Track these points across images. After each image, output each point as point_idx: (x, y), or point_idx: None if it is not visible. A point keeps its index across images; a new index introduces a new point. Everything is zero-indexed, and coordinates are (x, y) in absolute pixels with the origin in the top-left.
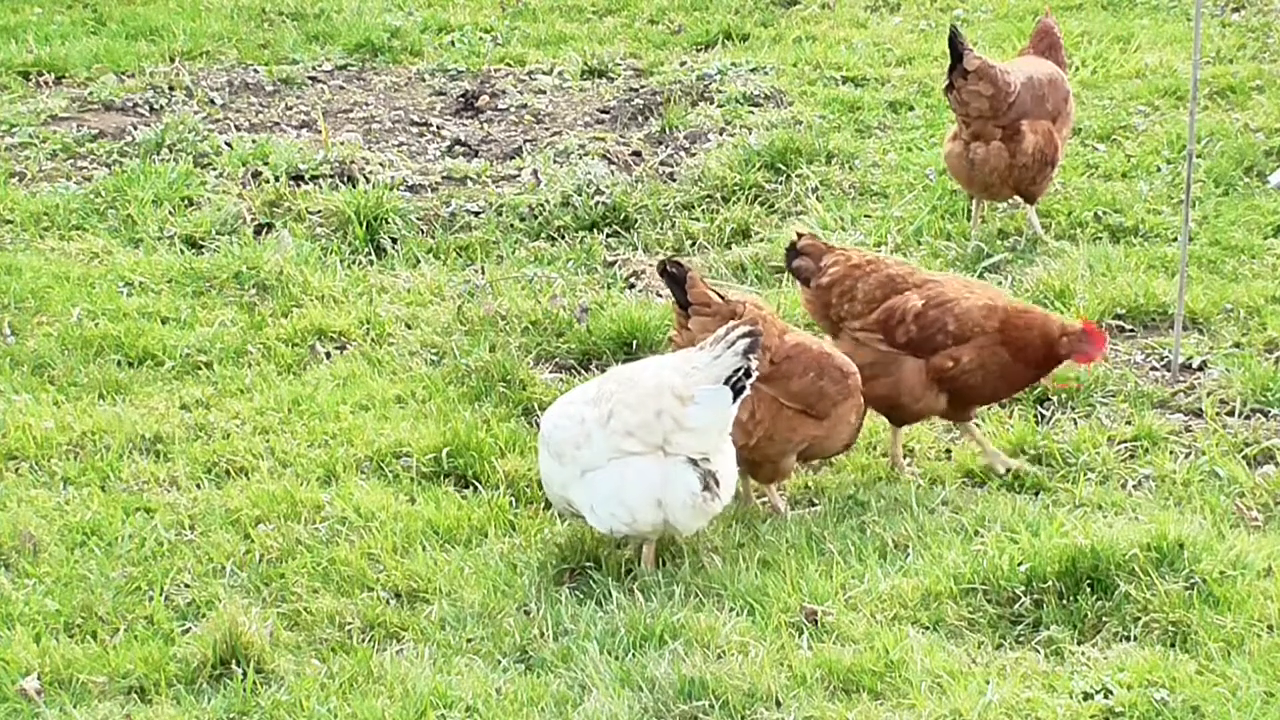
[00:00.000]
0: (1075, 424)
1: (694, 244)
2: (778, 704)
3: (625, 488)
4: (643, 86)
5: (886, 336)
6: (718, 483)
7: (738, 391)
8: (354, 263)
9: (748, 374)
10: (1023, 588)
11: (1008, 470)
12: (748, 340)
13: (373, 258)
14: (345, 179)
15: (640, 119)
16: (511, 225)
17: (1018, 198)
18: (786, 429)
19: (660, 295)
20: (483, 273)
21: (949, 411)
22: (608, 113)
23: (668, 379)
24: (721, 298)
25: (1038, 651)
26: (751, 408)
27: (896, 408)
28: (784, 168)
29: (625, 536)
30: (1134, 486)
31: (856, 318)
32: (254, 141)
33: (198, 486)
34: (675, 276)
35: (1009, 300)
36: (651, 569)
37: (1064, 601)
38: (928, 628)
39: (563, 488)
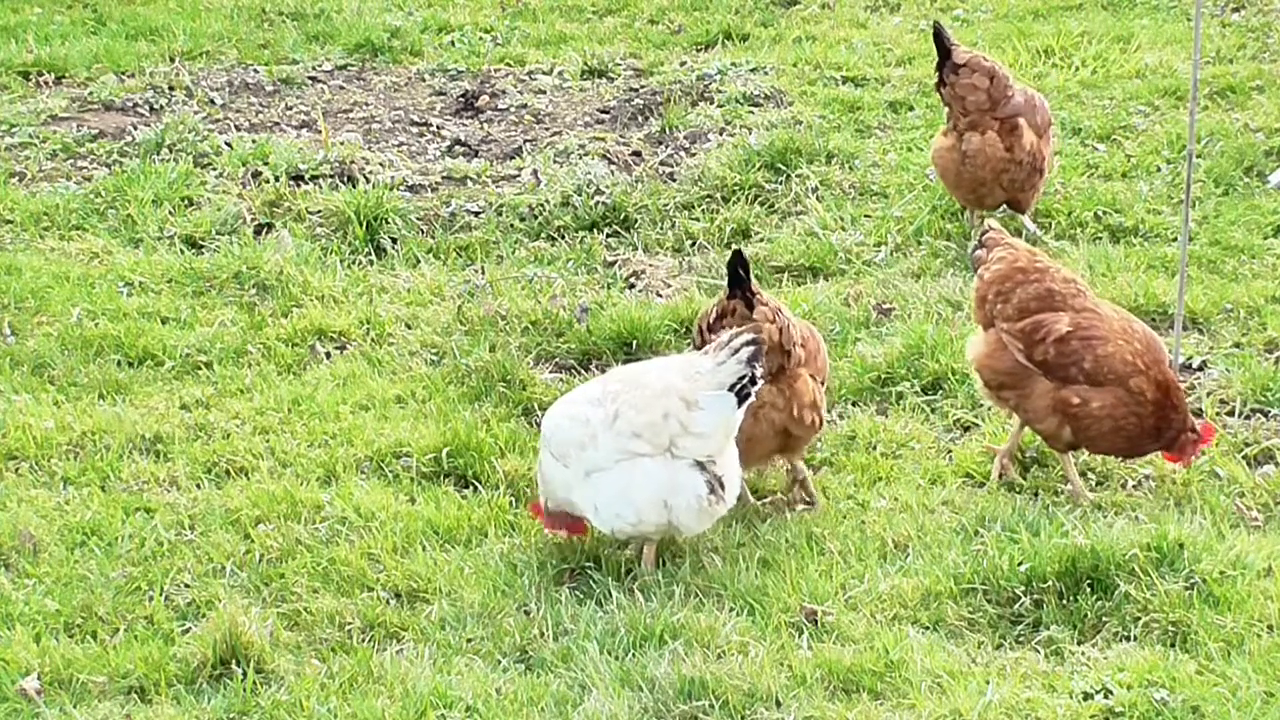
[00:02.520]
0: None
1: (694, 244)
2: (778, 704)
3: (632, 489)
4: (643, 86)
5: (1026, 349)
6: (723, 486)
7: (743, 397)
8: (354, 263)
9: (753, 381)
10: (1023, 588)
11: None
12: (752, 349)
13: (373, 258)
14: (345, 179)
15: (640, 119)
16: (511, 225)
17: (1006, 206)
18: (820, 405)
19: (660, 295)
20: (483, 273)
21: (1074, 444)
22: (608, 113)
23: (674, 382)
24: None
25: (1038, 651)
26: (812, 389)
27: (1023, 422)
28: (784, 168)
29: (628, 537)
30: (1134, 486)
31: (1006, 320)
32: (254, 141)
33: (198, 486)
34: (747, 266)
35: (1170, 370)
36: (652, 569)
37: (1064, 601)
38: (928, 628)
39: (565, 489)
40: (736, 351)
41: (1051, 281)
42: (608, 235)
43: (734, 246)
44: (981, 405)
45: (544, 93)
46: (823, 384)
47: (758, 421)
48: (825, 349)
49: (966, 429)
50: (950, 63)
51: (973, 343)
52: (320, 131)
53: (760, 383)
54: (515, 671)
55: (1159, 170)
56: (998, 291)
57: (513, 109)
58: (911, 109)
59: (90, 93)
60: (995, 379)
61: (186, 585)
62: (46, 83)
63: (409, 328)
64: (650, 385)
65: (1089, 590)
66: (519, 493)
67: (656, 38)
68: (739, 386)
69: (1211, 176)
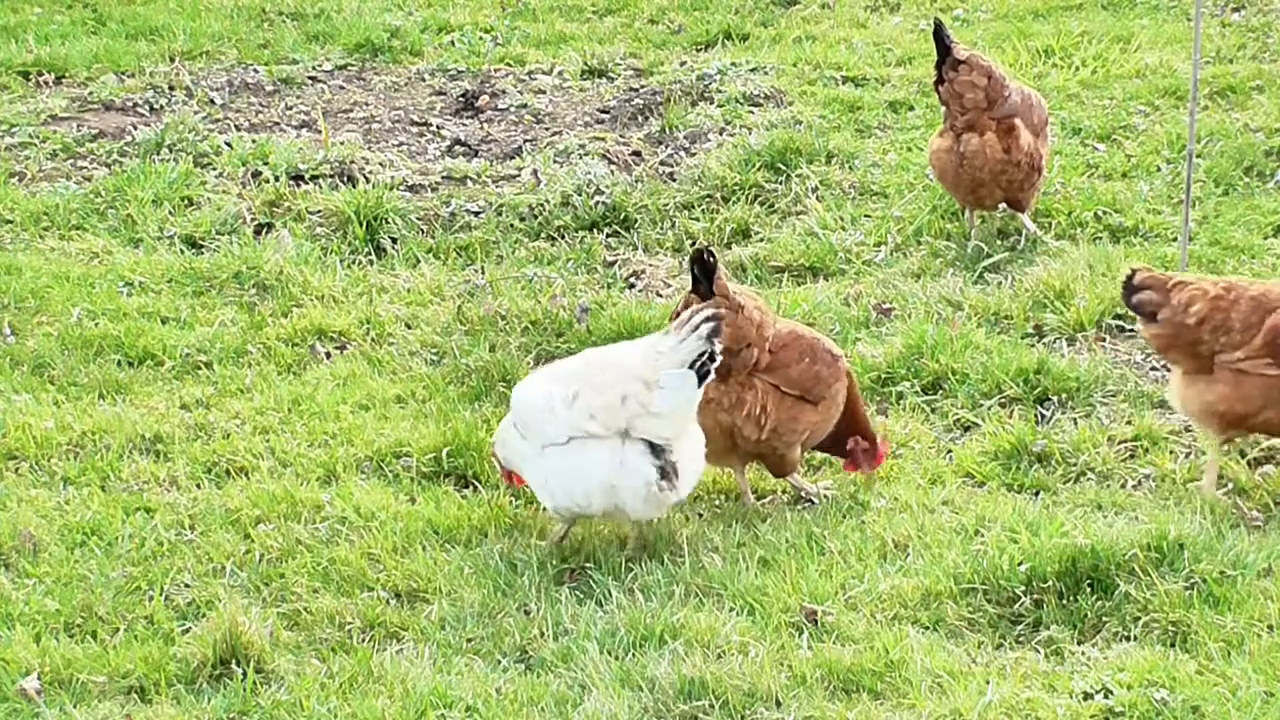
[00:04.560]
0: (1075, 424)
1: (694, 244)
2: (778, 704)
3: (581, 469)
4: (643, 86)
5: (1277, 359)
6: (677, 473)
7: (703, 376)
8: (354, 263)
9: (711, 358)
10: (1023, 588)
11: None
12: (711, 324)
13: (373, 258)
14: (345, 179)
15: (640, 119)
16: (511, 225)
17: (1005, 205)
18: (789, 418)
19: (660, 295)
20: (483, 273)
21: None
22: (608, 113)
23: (634, 364)
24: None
25: (1038, 651)
26: (761, 401)
27: None
28: (784, 168)
29: (574, 516)
30: (1134, 486)
31: (1237, 348)
32: (254, 141)
33: (198, 486)
34: (708, 266)
35: None
36: (637, 549)
37: (1064, 601)
38: (928, 628)
39: (521, 459)
40: (697, 328)
41: (1247, 290)
42: (608, 235)
43: (732, 246)
44: (981, 405)
45: (544, 93)
46: (807, 402)
47: (704, 416)
48: (830, 377)
49: (966, 429)
50: (951, 58)
51: (1191, 394)
52: (320, 131)
53: (719, 359)
54: (515, 671)
55: (1159, 170)
56: (1214, 328)
57: (513, 109)
58: (911, 109)
59: (90, 93)
60: (1248, 409)
61: (186, 585)
62: (46, 83)
63: (409, 328)
64: (612, 368)
65: (1089, 590)
66: (519, 492)
67: (656, 38)
68: (699, 364)
69: (1211, 176)
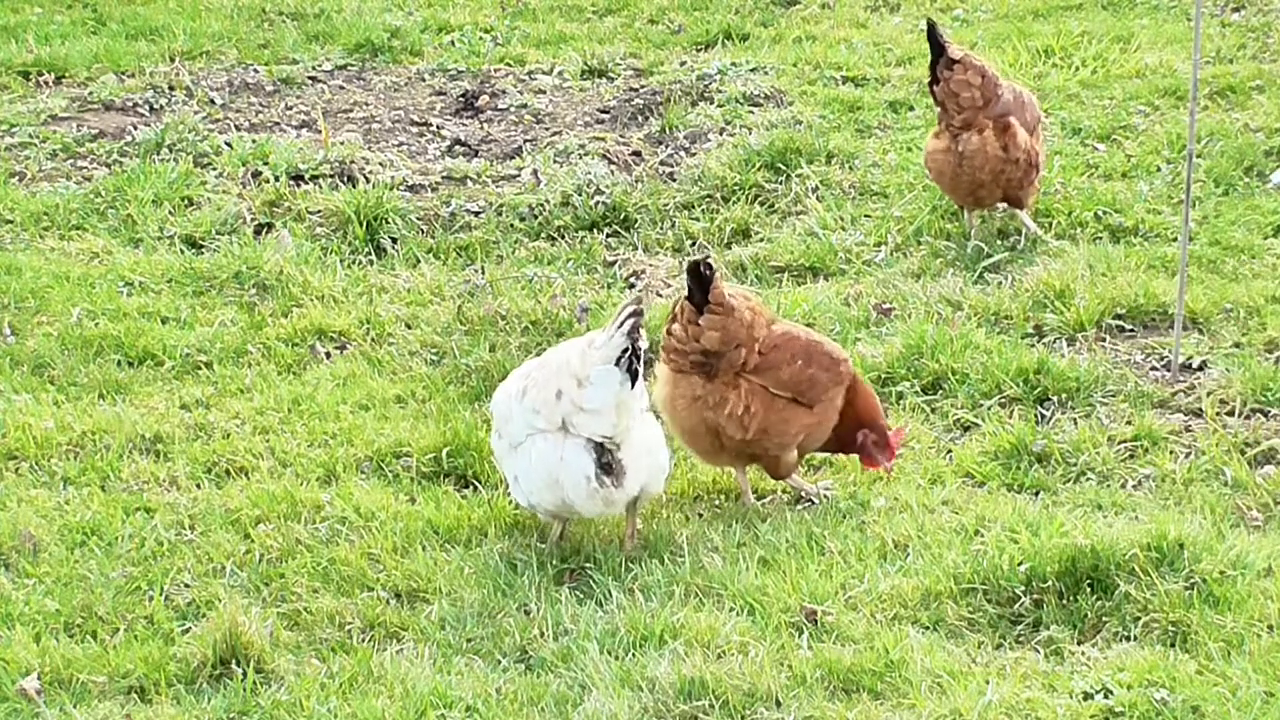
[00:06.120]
0: (1075, 424)
1: (694, 244)
2: (778, 704)
3: (531, 466)
4: (643, 86)
5: None
6: (623, 471)
7: (633, 374)
8: (354, 263)
9: (636, 355)
10: (1023, 588)
11: None
12: (632, 320)
13: (373, 258)
14: (345, 179)
15: (640, 119)
16: (511, 225)
17: (1004, 204)
18: (780, 420)
19: (660, 295)
20: (483, 273)
21: None
22: (608, 113)
23: (569, 359)
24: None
25: (1038, 651)
26: (745, 401)
27: None
28: (784, 168)
29: (548, 514)
30: (1134, 486)
31: None
32: (254, 141)
33: (198, 486)
34: (704, 277)
35: None
36: (633, 542)
37: (1064, 601)
38: (928, 628)
39: (498, 461)
40: (621, 324)
41: None
42: (608, 235)
43: (732, 246)
44: (981, 405)
45: (544, 93)
46: (800, 405)
47: (690, 414)
48: (828, 381)
49: (966, 429)
50: (945, 58)
51: None
52: (320, 131)
53: (643, 356)
54: (515, 671)
55: (1159, 170)
56: None
57: (513, 109)
58: (911, 109)
59: (90, 93)
60: None
61: (186, 585)
62: (46, 83)
63: (409, 328)
64: (550, 363)
65: (1089, 590)
66: None
67: (656, 38)
68: (625, 361)
69: (1211, 176)
